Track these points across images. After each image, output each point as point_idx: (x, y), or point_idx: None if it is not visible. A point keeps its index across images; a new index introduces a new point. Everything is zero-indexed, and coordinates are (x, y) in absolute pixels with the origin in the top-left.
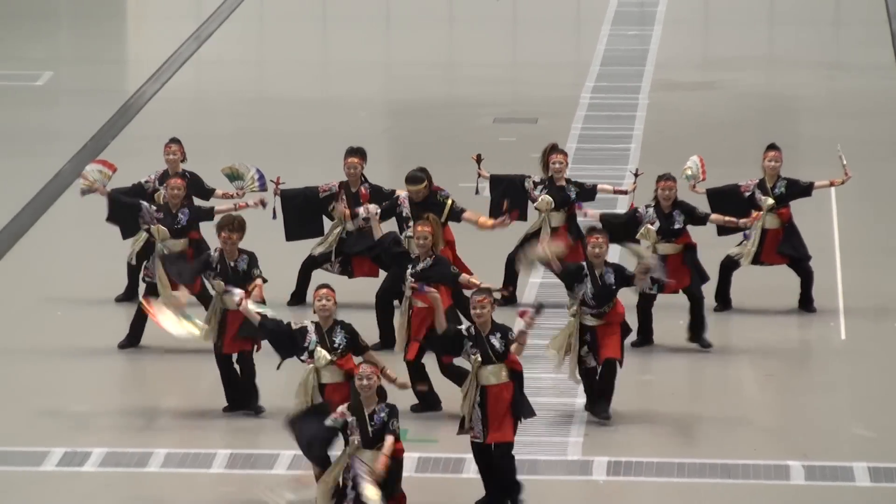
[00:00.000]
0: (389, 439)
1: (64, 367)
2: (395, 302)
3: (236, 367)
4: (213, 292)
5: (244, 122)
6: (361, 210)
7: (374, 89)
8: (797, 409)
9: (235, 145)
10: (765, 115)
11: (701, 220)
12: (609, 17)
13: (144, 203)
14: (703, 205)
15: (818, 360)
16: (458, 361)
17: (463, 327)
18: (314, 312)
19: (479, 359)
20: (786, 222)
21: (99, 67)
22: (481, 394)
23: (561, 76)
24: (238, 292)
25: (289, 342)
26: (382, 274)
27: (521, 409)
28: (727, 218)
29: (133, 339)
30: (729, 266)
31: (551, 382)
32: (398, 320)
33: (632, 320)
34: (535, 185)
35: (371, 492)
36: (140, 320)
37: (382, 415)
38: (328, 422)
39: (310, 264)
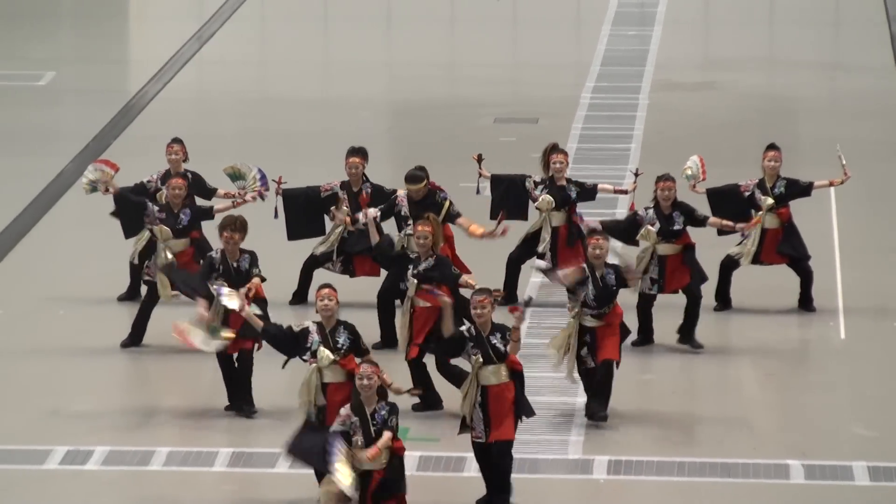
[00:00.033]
0: (387, 434)
1: (66, 366)
2: (397, 301)
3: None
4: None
5: (246, 122)
6: (360, 216)
7: (375, 89)
8: (797, 408)
9: (237, 145)
10: (765, 116)
11: (700, 222)
12: (609, 18)
13: (150, 203)
14: (703, 205)
15: (818, 359)
16: (457, 361)
17: (464, 328)
18: (316, 312)
19: (481, 359)
20: (785, 222)
21: (101, 67)
22: (482, 394)
23: (561, 76)
24: (227, 292)
25: (291, 344)
26: (384, 273)
27: (521, 408)
28: (724, 222)
29: (135, 339)
30: (729, 266)
31: (552, 381)
32: (399, 320)
33: (632, 320)
34: (536, 184)
35: (343, 473)
36: (142, 319)
37: (383, 413)
38: (336, 427)
39: (311, 264)
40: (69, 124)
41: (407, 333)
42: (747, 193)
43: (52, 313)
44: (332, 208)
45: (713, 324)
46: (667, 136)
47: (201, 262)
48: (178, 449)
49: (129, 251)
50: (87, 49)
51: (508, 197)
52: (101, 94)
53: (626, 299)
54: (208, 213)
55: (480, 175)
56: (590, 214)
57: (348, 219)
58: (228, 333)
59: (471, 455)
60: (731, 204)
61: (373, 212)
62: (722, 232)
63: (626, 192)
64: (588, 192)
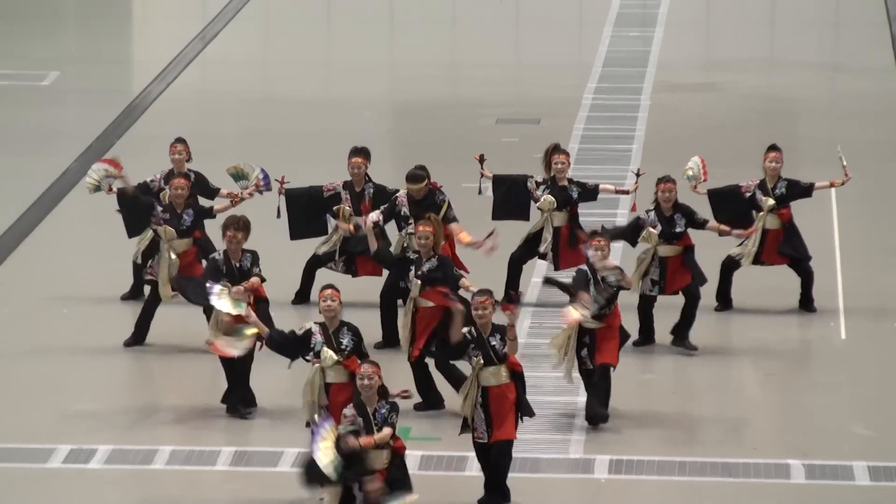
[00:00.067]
0: (386, 430)
1: (69, 366)
2: (399, 301)
3: None
4: None
5: (249, 122)
6: (361, 222)
7: (377, 90)
8: (797, 408)
9: (240, 145)
10: (765, 117)
11: (700, 225)
12: (611, 19)
13: (156, 203)
14: (704, 205)
15: (818, 359)
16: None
17: (465, 330)
18: (319, 312)
19: (481, 361)
20: (786, 223)
21: (104, 67)
22: (483, 395)
23: (563, 77)
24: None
25: (295, 348)
26: (386, 273)
27: (522, 409)
28: (723, 227)
29: (138, 338)
30: (730, 266)
31: (553, 381)
32: (401, 320)
33: (633, 321)
34: (538, 185)
35: (324, 454)
36: (145, 319)
37: (383, 412)
38: (345, 428)
39: (314, 263)
40: (72, 124)
41: (409, 333)
42: (748, 194)
43: (56, 312)
44: (337, 220)
45: (714, 324)
46: (668, 136)
47: (203, 262)
48: (180, 448)
49: (132, 251)
50: (91, 49)
51: (510, 197)
52: (104, 93)
53: (627, 300)
54: (209, 213)
55: (482, 175)
56: (591, 215)
57: (352, 227)
58: (252, 331)
59: (472, 454)
60: (732, 205)
61: (374, 216)
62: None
63: (627, 193)
64: (590, 193)
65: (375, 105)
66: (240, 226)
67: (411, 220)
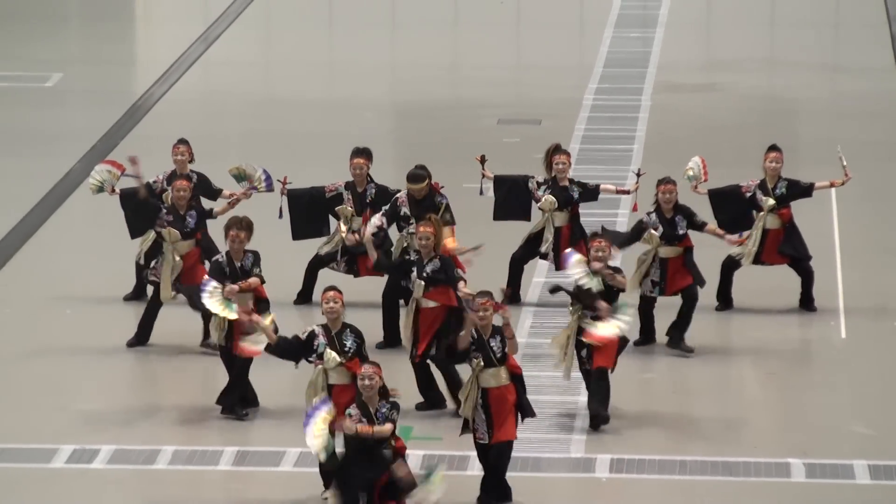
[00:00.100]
0: (387, 425)
1: (73, 366)
2: (400, 301)
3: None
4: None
5: (251, 123)
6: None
7: (379, 91)
8: (798, 407)
9: (243, 146)
10: (766, 117)
11: (698, 227)
12: (612, 20)
13: (162, 206)
14: (704, 206)
15: (818, 358)
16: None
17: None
18: (322, 314)
19: (481, 362)
20: (786, 223)
21: (108, 69)
22: (483, 396)
23: (564, 78)
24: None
25: (300, 352)
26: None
27: (523, 410)
28: (718, 231)
29: (141, 338)
30: (730, 266)
31: (554, 381)
32: (404, 319)
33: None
34: (539, 185)
35: (317, 436)
36: (148, 319)
37: (384, 410)
38: (349, 427)
39: (316, 263)
40: (76, 125)
41: (411, 334)
42: (748, 194)
43: (59, 313)
44: (342, 231)
45: (714, 323)
46: (668, 137)
47: (206, 263)
48: (183, 448)
49: (135, 251)
50: (94, 50)
51: (511, 197)
52: (107, 95)
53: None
54: (209, 214)
55: (484, 176)
56: (592, 215)
57: (355, 236)
58: (268, 318)
59: (473, 454)
60: (732, 205)
61: (376, 220)
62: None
63: (628, 193)
64: (590, 193)
65: (377, 106)
66: (242, 225)
67: (412, 221)
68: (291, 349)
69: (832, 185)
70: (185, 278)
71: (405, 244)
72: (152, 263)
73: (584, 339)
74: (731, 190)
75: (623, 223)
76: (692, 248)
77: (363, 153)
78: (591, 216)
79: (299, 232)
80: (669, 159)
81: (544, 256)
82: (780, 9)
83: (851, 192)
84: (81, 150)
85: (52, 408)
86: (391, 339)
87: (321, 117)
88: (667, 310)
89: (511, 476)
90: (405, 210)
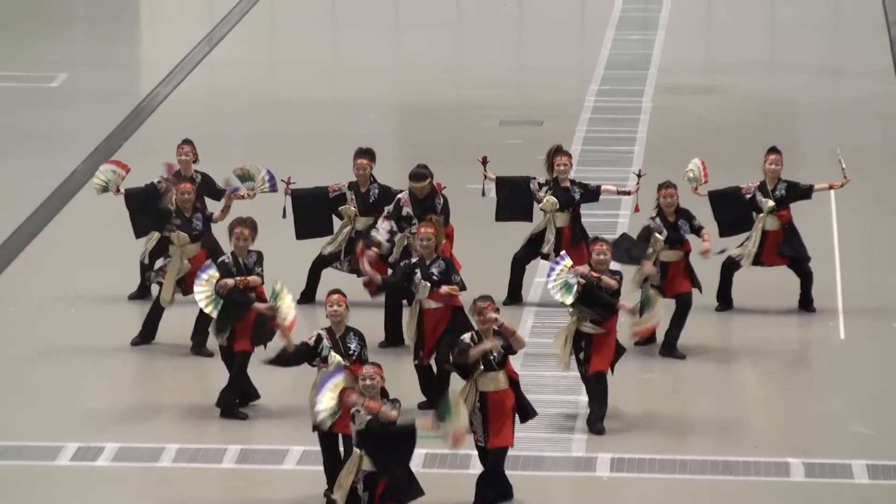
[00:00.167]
0: (393, 412)
1: (77, 364)
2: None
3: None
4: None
5: (255, 124)
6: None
7: (382, 92)
8: (797, 407)
9: (247, 146)
10: (766, 119)
11: (697, 231)
12: (613, 22)
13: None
14: (705, 207)
15: (818, 359)
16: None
17: (466, 337)
18: (327, 317)
19: (481, 366)
20: (786, 224)
21: (113, 70)
22: (481, 400)
23: (566, 80)
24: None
25: (307, 357)
26: (390, 272)
27: (524, 411)
28: (707, 243)
29: (146, 336)
30: (730, 267)
31: (555, 380)
32: (407, 320)
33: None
34: (540, 186)
35: (325, 402)
36: (153, 318)
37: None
38: (354, 405)
39: (320, 263)
40: (81, 125)
41: (415, 335)
42: (748, 196)
43: (64, 312)
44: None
45: (715, 324)
46: (669, 138)
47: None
48: (187, 446)
49: (140, 251)
50: (99, 51)
51: (513, 198)
52: (112, 95)
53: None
54: (211, 217)
55: (486, 177)
56: (593, 216)
57: (367, 265)
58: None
59: (475, 453)
60: (732, 206)
61: (385, 226)
62: (724, 231)
63: (629, 194)
64: (592, 194)
65: (380, 107)
66: (247, 224)
67: (414, 221)
68: (300, 356)
69: (831, 187)
70: (191, 281)
71: (405, 244)
72: (158, 264)
73: (633, 338)
74: (731, 191)
75: (624, 224)
76: (690, 251)
77: (366, 154)
78: (592, 217)
79: (303, 232)
80: (670, 161)
81: (546, 257)
82: (780, 12)
83: (850, 193)
84: (86, 150)
85: (57, 406)
86: (393, 339)
87: (325, 118)
88: (667, 310)
89: (512, 475)
90: (407, 210)
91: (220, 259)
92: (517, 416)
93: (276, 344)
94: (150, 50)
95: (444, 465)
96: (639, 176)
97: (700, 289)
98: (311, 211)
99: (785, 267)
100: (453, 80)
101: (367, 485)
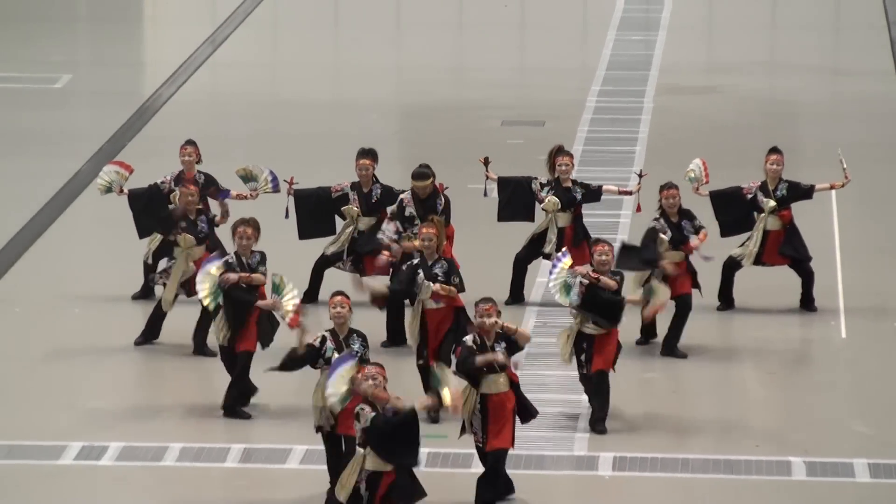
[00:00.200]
0: (401, 402)
1: (81, 364)
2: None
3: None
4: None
5: (258, 125)
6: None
7: (384, 92)
8: (798, 406)
9: (250, 147)
10: (767, 119)
11: (697, 231)
12: (615, 23)
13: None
14: (706, 207)
15: (819, 358)
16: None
17: (468, 338)
18: (330, 319)
19: (484, 368)
20: (787, 224)
21: (116, 70)
22: (482, 401)
23: (567, 80)
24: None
25: (312, 359)
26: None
27: (525, 412)
28: (696, 242)
29: (149, 336)
30: (732, 266)
31: (558, 379)
32: (409, 320)
33: (633, 322)
34: (542, 186)
35: (335, 385)
36: (156, 318)
37: (389, 406)
38: (365, 392)
39: (322, 263)
40: (84, 126)
41: (418, 334)
42: (750, 196)
43: (67, 311)
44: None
45: (716, 323)
46: (670, 138)
47: None
48: (190, 445)
49: (143, 251)
50: (103, 52)
51: (515, 198)
52: (115, 96)
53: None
54: (213, 220)
55: (487, 178)
56: (595, 215)
57: (376, 289)
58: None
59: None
60: (733, 206)
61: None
62: (725, 232)
63: (630, 194)
64: (593, 194)
65: (382, 107)
66: (250, 223)
67: (417, 221)
68: (305, 359)
69: (832, 187)
70: (194, 282)
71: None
72: (162, 265)
73: (646, 320)
74: (733, 192)
75: (626, 224)
76: (692, 252)
77: (369, 154)
78: (593, 217)
79: (306, 231)
80: (671, 161)
81: (548, 257)
82: (780, 12)
83: (851, 193)
84: (90, 150)
85: (61, 405)
86: (395, 339)
87: (327, 118)
88: (668, 309)
89: (514, 473)
90: (410, 210)
91: (224, 259)
92: (518, 417)
93: (276, 345)
94: (154, 50)
95: (446, 464)
96: (640, 176)
97: (700, 290)
98: (314, 211)
99: (786, 267)
100: (455, 80)
101: (370, 484)
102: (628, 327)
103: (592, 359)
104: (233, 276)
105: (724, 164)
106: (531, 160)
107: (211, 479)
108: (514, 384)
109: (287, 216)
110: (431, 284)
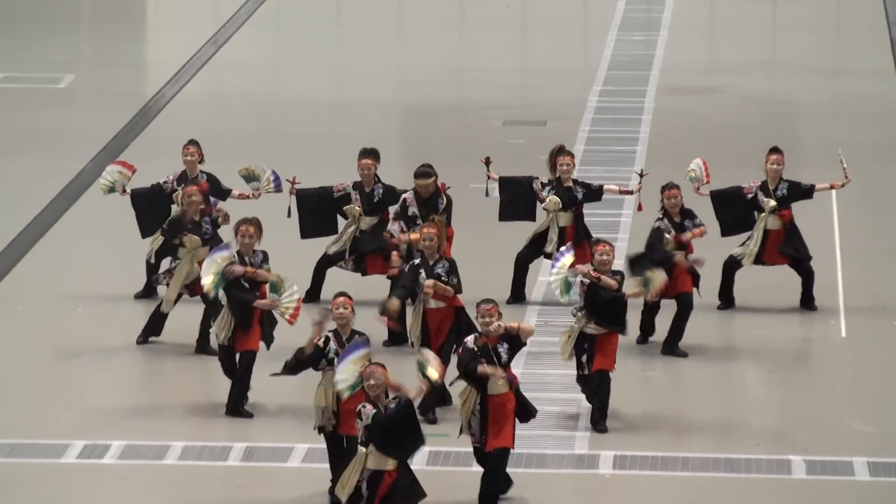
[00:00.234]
0: (412, 392)
1: (84, 362)
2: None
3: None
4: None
5: (260, 124)
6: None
7: (386, 92)
8: (798, 404)
9: (252, 147)
10: (767, 119)
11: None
12: (616, 23)
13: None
14: (706, 207)
15: (819, 357)
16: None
17: (469, 340)
18: (332, 320)
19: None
20: (787, 223)
21: (119, 70)
22: (482, 402)
23: (569, 80)
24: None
25: (315, 360)
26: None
27: (524, 412)
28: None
29: (150, 333)
30: (732, 266)
31: (558, 378)
32: (410, 319)
33: (634, 322)
34: (543, 185)
35: (348, 372)
36: (159, 318)
37: (392, 405)
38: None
39: (324, 262)
40: (88, 126)
41: (420, 334)
42: (750, 195)
43: (70, 311)
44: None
45: (716, 322)
46: (671, 138)
47: None
48: (192, 443)
49: (146, 250)
50: (106, 52)
51: (516, 198)
52: (118, 96)
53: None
54: (216, 221)
55: (489, 177)
56: (596, 215)
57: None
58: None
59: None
60: (734, 206)
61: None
62: (726, 231)
63: (631, 193)
64: (594, 193)
65: (384, 107)
66: (252, 222)
67: (419, 221)
68: (309, 361)
69: (832, 187)
70: (198, 284)
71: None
72: (165, 266)
73: (649, 296)
74: (733, 191)
75: (627, 224)
76: (693, 252)
77: (371, 154)
78: (595, 216)
79: (308, 231)
80: (672, 161)
81: (549, 256)
82: (781, 12)
83: (851, 193)
84: (93, 150)
85: (64, 404)
86: (396, 338)
87: (329, 118)
88: (668, 308)
89: (515, 472)
90: (413, 209)
91: (231, 251)
92: (518, 417)
93: (277, 345)
94: (157, 51)
95: (447, 462)
96: (641, 175)
97: (699, 290)
98: (316, 210)
99: (786, 266)
100: (457, 80)
101: (371, 484)
102: (628, 326)
103: (594, 358)
104: (238, 269)
105: (724, 164)
106: (532, 160)
107: (213, 477)
108: (512, 385)
109: (289, 215)
110: (425, 277)
